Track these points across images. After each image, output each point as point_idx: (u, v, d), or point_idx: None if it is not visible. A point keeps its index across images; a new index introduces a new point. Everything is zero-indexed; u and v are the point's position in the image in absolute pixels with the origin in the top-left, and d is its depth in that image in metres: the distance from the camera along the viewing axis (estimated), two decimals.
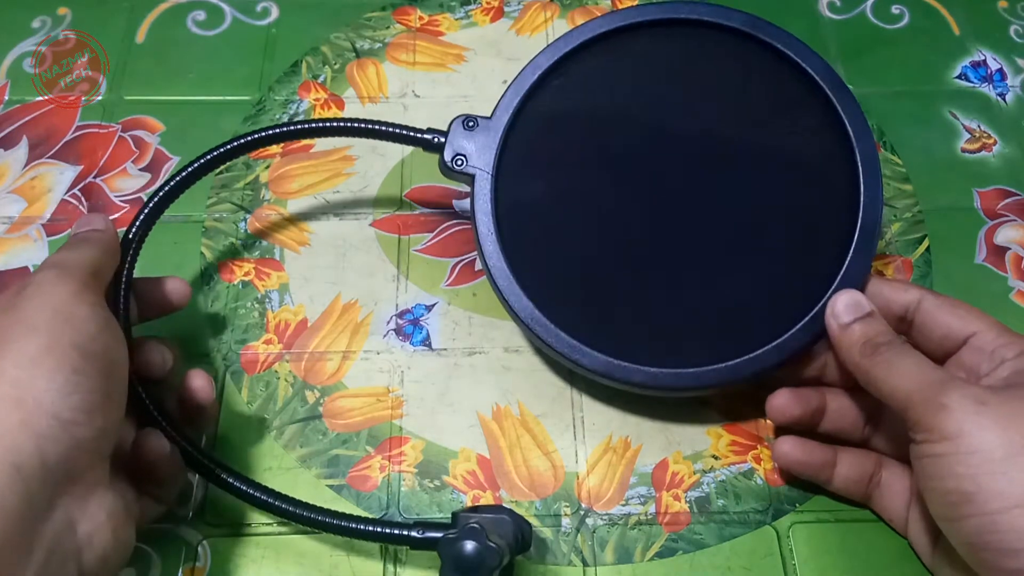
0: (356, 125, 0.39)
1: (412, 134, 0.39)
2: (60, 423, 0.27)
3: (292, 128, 0.40)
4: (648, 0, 0.51)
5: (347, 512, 0.35)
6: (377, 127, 0.39)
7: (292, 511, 0.34)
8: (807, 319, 0.37)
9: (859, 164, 0.38)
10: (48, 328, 0.29)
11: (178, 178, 0.38)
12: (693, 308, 0.38)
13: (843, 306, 0.35)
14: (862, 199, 0.37)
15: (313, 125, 0.40)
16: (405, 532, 0.33)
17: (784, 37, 0.39)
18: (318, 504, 0.34)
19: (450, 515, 0.33)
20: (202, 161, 0.38)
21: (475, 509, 0.34)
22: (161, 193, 0.38)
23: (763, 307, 0.37)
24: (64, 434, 0.27)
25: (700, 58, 0.40)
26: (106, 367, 0.30)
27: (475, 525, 0.32)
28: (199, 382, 0.36)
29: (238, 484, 0.35)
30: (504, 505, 0.36)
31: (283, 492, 0.35)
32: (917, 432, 0.31)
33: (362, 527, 0.34)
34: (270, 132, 0.39)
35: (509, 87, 0.39)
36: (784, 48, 0.39)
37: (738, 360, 0.37)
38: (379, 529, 0.34)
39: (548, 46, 0.39)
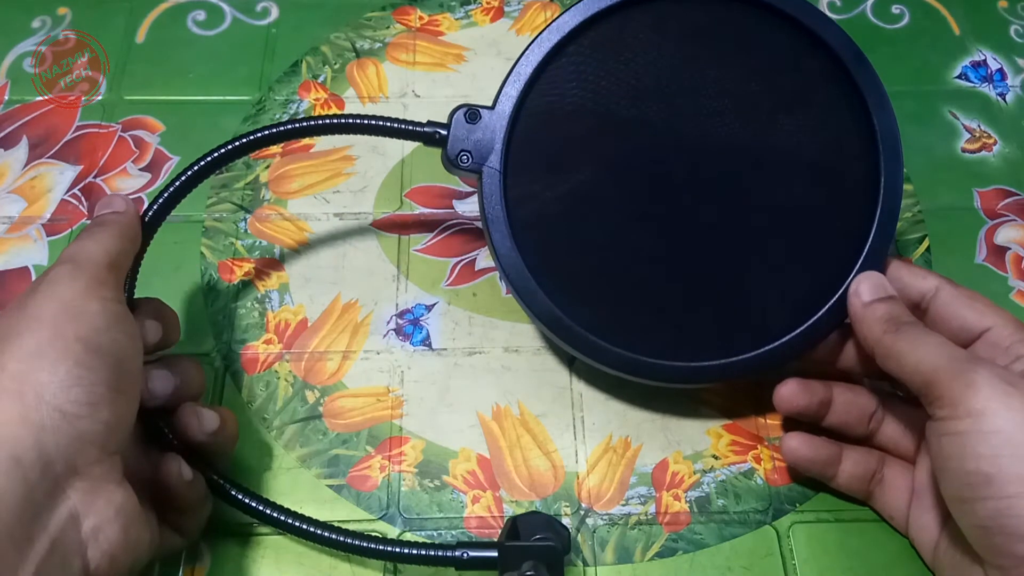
0: (354, 122, 0.39)
1: (412, 128, 0.38)
2: (62, 415, 0.27)
3: (291, 127, 0.39)
4: None
5: (391, 538, 0.35)
6: (375, 123, 0.39)
7: (332, 538, 0.34)
8: (831, 303, 0.36)
9: (879, 145, 0.37)
10: (52, 322, 0.29)
11: (196, 168, 0.37)
12: (714, 299, 0.37)
13: (867, 286, 0.35)
14: (882, 181, 0.37)
15: (311, 123, 0.39)
16: (451, 554, 0.33)
17: (802, 6, 0.38)
18: (318, 500, 0.35)
19: (497, 547, 0.33)
20: (209, 159, 0.38)
21: (514, 528, 0.34)
22: (179, 182, 0.37)
23: (786, 293, 0.37)
24: (67, 426, 0.27)
25: (710, 32, 0.38)
26: (114, 362, 0.29)
27: (531, 573, 0.32)
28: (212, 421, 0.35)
29: (272, 513, 0.35)
30: (540, 512, 0.36)
31: (327, 522, 0.35)
32: (939, 408, 0.30)
33: (406, 551, 0.34)
34: (270, 131, 0.38)
35: (510, 75, 0.38)
36: (801, 17, 0.38)
37: (762, 349, 0.37)
38: (424, 552, 0.34)
39: (547, 28, 0.38)
